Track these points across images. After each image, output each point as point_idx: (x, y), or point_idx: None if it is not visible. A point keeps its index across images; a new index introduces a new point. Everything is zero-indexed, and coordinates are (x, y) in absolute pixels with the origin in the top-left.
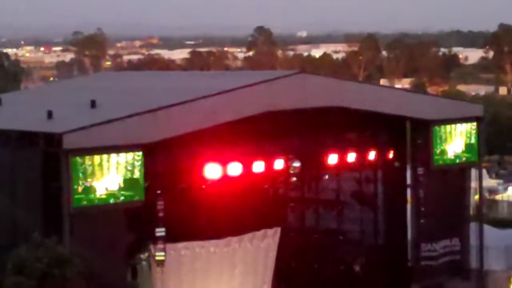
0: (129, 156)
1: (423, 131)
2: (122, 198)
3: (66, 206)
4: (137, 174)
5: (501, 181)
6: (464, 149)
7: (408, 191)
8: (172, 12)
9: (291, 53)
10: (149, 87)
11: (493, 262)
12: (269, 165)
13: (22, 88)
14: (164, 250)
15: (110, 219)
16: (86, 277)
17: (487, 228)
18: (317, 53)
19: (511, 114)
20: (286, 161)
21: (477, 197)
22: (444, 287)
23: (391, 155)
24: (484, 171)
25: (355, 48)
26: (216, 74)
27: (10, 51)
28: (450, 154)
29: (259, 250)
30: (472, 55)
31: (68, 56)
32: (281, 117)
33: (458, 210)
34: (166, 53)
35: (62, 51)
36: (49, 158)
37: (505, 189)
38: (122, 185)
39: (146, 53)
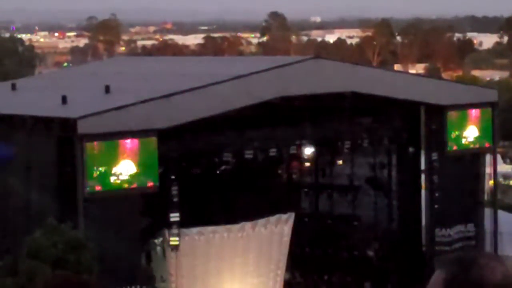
0: (143, 141)
1: (437, 117)
2: (136, 183)
3: (80, 191)
4: (151, 159)
5: None
6: (478, 134)
7: (423, 176)
8: None
9: (305, 38)
10: (163, 72)
11: (507, 247)
12: (283, 151)
13: (36, 73)
14: (178, 235)
15: (124, 204)
16: (100, 261)
17: (501, 213)
18: (331, 38)
19: None
20: (300, 147)
21: (491, 182)
22: None
23: (405, 140)
24: (498, 157)
25: (369, 33)
26: (230, 59)
27: (24, 36)
28: (465, 140)
29: (273, 235)
30: (486, 40)
31: (82, 42)
32: (295, 103)
33: (472, 195)
34: (180, 39)
35: (76, 36)
36: (63, 143)
37: None
38: (136, 170)
39: (160, 38)
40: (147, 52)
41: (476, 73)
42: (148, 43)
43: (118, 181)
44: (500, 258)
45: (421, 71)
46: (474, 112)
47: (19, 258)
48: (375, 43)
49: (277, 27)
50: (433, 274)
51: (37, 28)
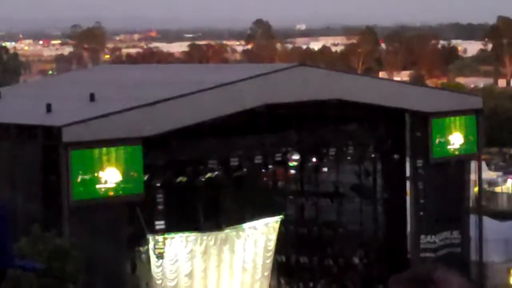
0: (128, 149)
1: (422, 124)
2: (121, 191)
3: (65, 199)
4: (136, 167)
5: (500, 173)
6: (463, 141)
7: (408, 183)
8: (170, 5)
9: (290, 46)
10: (148, 80)
11: (493, 254)
12: (268, 158)
13: (21, 81)
14: (163, 243)
15: (109, 212)
16: (85, 270)
17: (486, 220)
18: (316, 46)
19: (510, 106)
20: (285, 154)
21: (476, 189)
22: None
23: (390, 147)
24: (483, 164)
25: (354, 41)
26: (215, 67)
27: (8, 44)
28: (449, 147)
29: (258, 240)
30: (471, 48)
31: (67, 50)
32: (280, 110)
33: (457, 202)
34: (164, 46)
35: (61, 44)
36: (48, 151)
37: (505, 181)
38: (121, 178)
39: (145, 46)
40: (132, 60)
41: (460, 80)
42: (133, 51)
43: (103, 189)
44: (453, 271)
45: (405, 78)
46: (458, 119)
47: None
48: (360, 50)
49: (262, 35)
50: None
51: (21, 36)
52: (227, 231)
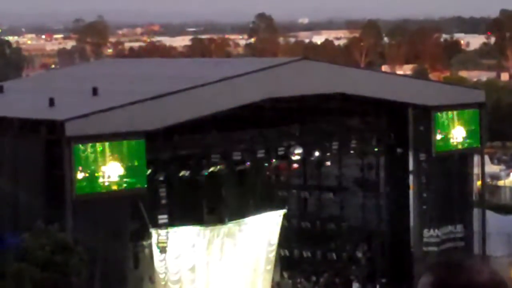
0: (131, 143)
1: (425, 118)
2: (124, 185)
3: (68, 193)
4: (139, 161)
5: (503, 167)
6: (466, 135)
7: (411, 177)
8: None
9: (292, 39)
10: (151, 74)
11: (496, 248)
12: (271, 152)
13: (23, 76)
14: (166, 236)
15: (112, 206)
16: (88, 264)
17: (489, 214)
18: (318, 39)
19: None
20: (288, 148)
21: (479, 183)
22: None
23: (393, 141)
24: (486, 157)
25: (357, 35)
26: (218, 61)
27: (11, 38)
28: (452, 140)
29: (261, 234)
30: (473, 41)
31: (70, 44)
32: (283, 104)
33: (460, 196)
34: (167, 40)
35: (64, 38)
36: (51, 146)
37: (508, 175)
38: (124, 172)
39: (148, 40)
40: (134, 54)
41: (463, 73)
42: (136, 45)
43: (106, 183)
44: (486, 260)
45: (408, 72)
46: (461, 113)
47: (7, 261)
48: (362, 44)
49: (264, 29)
50: (421, 277)
51: (24, 30)
52: (230, 225)
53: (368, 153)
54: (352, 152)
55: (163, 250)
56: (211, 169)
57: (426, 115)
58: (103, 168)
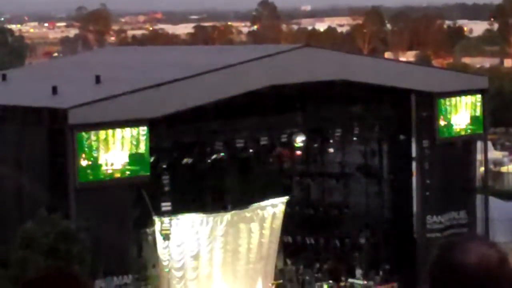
0: (134, 131)
1: (428, 104)
2: (127, 173)
3: (72, 181)
4: (142, 149)
5: (506, 153)
6: (469, 121)
7: (414, 164)
8: None
9: (295, 27)
10: (154, 62)
11: (499, 234)
12: (274, 139)
13: (26, 64)
14: (170, 224)
15: (115, 194)
16: (92, 252)
17: (492, 200)
18: (321, 26)
19: None
20: (291, 135)
21: (482, 169)
22: None
23: (396, 128)
24: (489, 143)
25: (360, 22)
26: (221, 48)
27: (14, 27)
28: (455, 127)
29: (264, 220)
30: (476, 28)
31: (72, 32)
32: (285, 91)
33: (464, 182)
34: (170, 28)
35: (66, 26)
36: (54, 134)
37: (511, 161)
38: (127, 160)
39: (150, 28)
40: (137, 42)
41: (466, 60)
42: (138, 32)
43: (110, 171)
44: (488, 241)
45: (411, 58)
46: (464, 99)
47: (11, 249)
48: (365, 31)
49: (267, 16)
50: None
51: (26, 18)
52: (233, 212)
53: (371, 139)
54: (355, 139)
55: (166, 237)
56: (214, 156)
57: (429, 102)
58: (106, 156)
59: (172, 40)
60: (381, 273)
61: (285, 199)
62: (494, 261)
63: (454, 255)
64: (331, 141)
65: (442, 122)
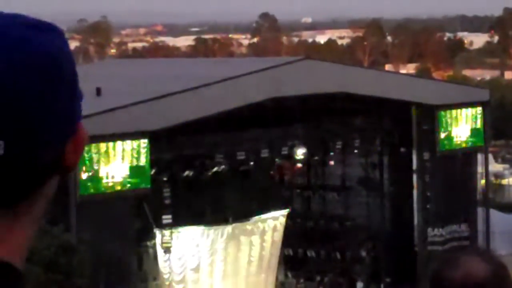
0: (135, 143)
1: (428, 116)
2: (128, 185)
3: (72, 194)
4: (143, 161)
5: (507, 165)
6: (470, 134)
7: (414, 176)
8: None
9: (296, 39)
10: (155, 74)
11: (500, 246)
12: (274, 152)
13: None
14: (170, 236)
15: (116, 207)
16: (92, 264)
17: (493, 212)
18: (322, 39)
19: None
20: (291, 148)
21: (483, 182)
22: None
23: (396, 140)
24: (490, 156)
25: (360, 34)
26: (221, 61)
27: None
28: (456, 139)
29: (265, 234)
30: (477, 40)
31: (73, 44)
32: (286, 104)
33: (464, 195)
34: (170, 40)
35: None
36: None
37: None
38: (128, 172)
39: (151, 40)
40: (138, 54)
41: (467, 72)
42: (139, 45)
43: (110, 184)
44: (484, 254)
45: (412, 71)
46: (465, 112)
47: None
48: (366, 43)
49: (267, 28)
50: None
51: None
52: (234, 225)
53: (371, 152)
54: (355, 151)
55: (167, 250)
56: (215, 169)
57: (430, 114)
58: (107, 168)
59: (172, 52)
60: (382, 286)
61: (286, 211)
62: (483, 275)
63: (443, 269)
64: (331, 153)
65: (442, 135)
